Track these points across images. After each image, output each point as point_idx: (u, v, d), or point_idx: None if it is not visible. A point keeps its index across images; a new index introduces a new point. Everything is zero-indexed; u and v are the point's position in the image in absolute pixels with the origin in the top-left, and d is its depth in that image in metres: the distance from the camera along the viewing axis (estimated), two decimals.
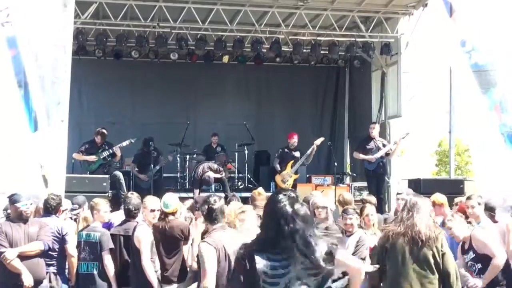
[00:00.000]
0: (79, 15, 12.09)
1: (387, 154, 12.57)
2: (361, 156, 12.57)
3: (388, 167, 13.46)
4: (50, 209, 6.93)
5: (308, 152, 12.67)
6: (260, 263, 3.14)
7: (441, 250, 5.18)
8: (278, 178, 13.00)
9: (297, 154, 12.92)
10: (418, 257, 5.19)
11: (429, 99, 31.88)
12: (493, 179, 8.37)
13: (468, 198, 6.71)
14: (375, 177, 12.53)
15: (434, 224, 5.42)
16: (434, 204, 7.72)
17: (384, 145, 12.56)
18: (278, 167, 13.00)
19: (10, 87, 8.13)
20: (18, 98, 8.14)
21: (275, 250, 3.17)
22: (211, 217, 5.08)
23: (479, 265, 5.93)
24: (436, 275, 5.18)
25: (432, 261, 5.17)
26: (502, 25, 8.77)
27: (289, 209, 3.22)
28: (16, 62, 8.15)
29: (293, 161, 12.87)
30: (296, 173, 12.88)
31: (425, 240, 5.15)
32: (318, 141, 12.75)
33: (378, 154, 12.30)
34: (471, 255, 6.01)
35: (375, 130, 12.64)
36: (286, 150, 13.12)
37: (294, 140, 13.06)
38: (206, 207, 5.09)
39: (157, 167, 13.16)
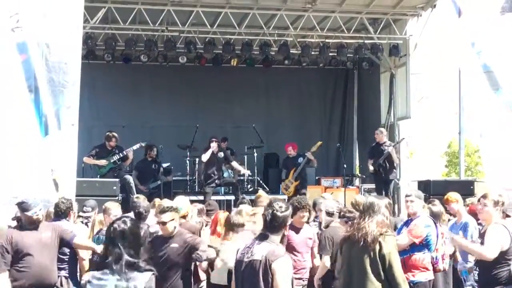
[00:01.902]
0: (88, 20, 12.14)
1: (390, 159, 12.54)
2: (369, 164, 12.71)
3: (394, 170, 13.08)
4: (60, 213, 6.93)
5: (303, 162, 13.10)
6: None
7: (381, 252, 4.87)
8: (282, 186, 13.51)
9: (300, 160, 13.29)
10: (358, 260, 4.97)
11: (438, 100, 31.70)
12: (505, 179, 8.30)
13: (483, 196, 6.36)
14: (381, 180, 12.60)
15: (385, 223, 5.12)
16: (447, 201, 7.75)
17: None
18: (283, 175, 13.56)
19: (20, 92, 8.15)
20: (29, 103, 8.17)
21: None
22: (272, 224, 4.38)
23: None
24: (374, 280, 4.87)
25: (368, 263, 4.90)
26: (506, 27, 8.72)
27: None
28: (26, 67, 8.18)
29: (295, 168, 13.24)
30: (296, 179, 13.18)
31: (368, 242, 4.92)
32: (313, 148, 13.17)
33: (380, 160, 12.40)
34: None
35: (378, 136, 12.73)
36: (288, 158, 13.55)
37: (290, 151, 13.48)
38: (271, 211, 4.38)
39: (158, 183, 12.89)
